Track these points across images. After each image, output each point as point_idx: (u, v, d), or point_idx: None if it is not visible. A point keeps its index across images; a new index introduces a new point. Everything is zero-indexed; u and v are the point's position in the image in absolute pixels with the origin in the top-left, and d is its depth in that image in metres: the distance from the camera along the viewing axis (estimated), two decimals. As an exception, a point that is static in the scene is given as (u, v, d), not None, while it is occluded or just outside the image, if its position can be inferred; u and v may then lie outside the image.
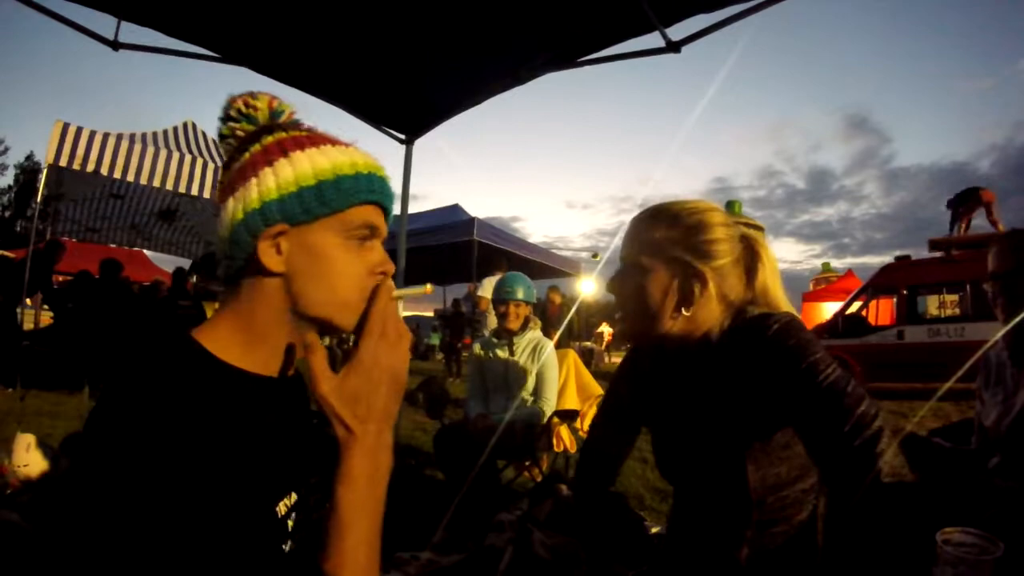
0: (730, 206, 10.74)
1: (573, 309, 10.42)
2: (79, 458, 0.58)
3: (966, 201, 8.28)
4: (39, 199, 7.32)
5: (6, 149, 36.09)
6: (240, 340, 0.70)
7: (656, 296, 1.07)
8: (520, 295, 3.18)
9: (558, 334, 5.30)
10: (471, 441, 2.80)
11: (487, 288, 7.48)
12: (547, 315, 9.51)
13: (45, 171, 6.65)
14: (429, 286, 0.91)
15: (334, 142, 0.74)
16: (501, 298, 3.20)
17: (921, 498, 0.87)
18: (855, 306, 8.87)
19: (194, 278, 7.58)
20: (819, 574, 1.03)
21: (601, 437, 1.41)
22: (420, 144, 3.85)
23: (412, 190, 3.99)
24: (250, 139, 0.73)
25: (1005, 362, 1.60)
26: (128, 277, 7.95)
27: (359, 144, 0.77)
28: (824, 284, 16.28)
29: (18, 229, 31.27)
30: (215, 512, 0.57)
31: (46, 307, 8.41)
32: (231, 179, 0.71)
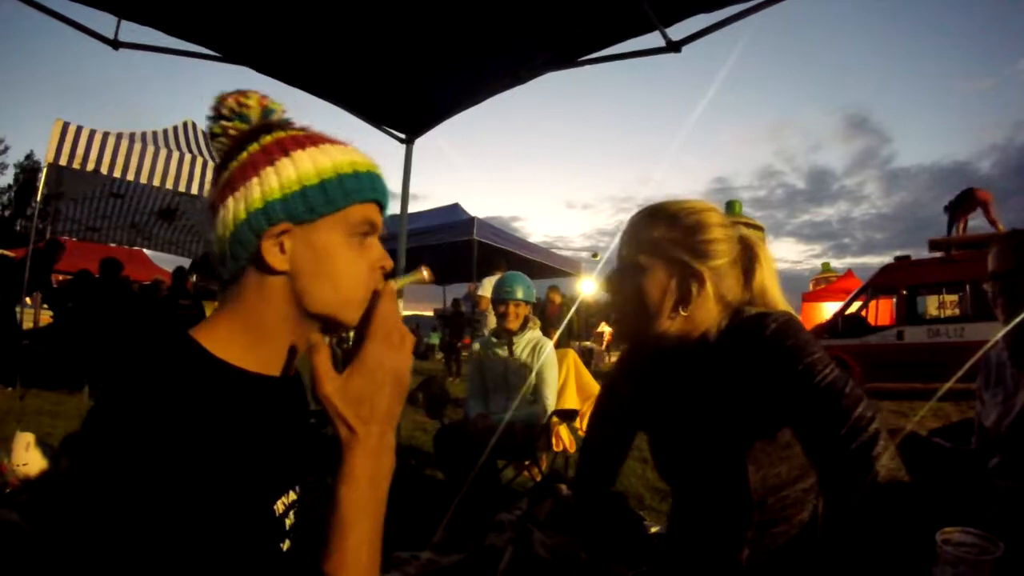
0: (730, 206, 10.74)
1: (573, 309, 10.41)
2: (77, 457, 0.58)
3: (963, 203, 8.29)
4: (39, 198, 7.33)
5: (6, 148, 36.08)
6: (242, 339, 0.70)
7: (654, 295, 1.07)
8: (520, 295, 3.18)
9: (558, 334, 5.30)
10: (471, 441, 2.80)
11: (487, 288, 7.48)
12: (547, 315, 9.51)
13: (45, 170, 6.66)
14: (425, 271, 0.91)
15: (332, 141, 0.75)
16: (501, 298, 3.20)
17: (920, 498, 0.87)
18: (855, 306, 8.87)
19: (194, 277, 7.58)
20: (820, 574, 1.03)
21: (600, 437, 1.40)
22: (420, 143, 3.85)
23: (412, 190, 4.00)
24: (247, 138, 0.73)
25: (1005, 362, 1.60)
26: (128, 276, 7.94)
27: (357, 143, 0.78)
28: (824, 284, 16.28)
29: (18, 228, 31.25)
30: (213, 511, 0.57)
31: (46, 306, 8.41)
32: (230, 178, 0.71)
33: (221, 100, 0.74)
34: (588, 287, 10.99)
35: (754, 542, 1.05)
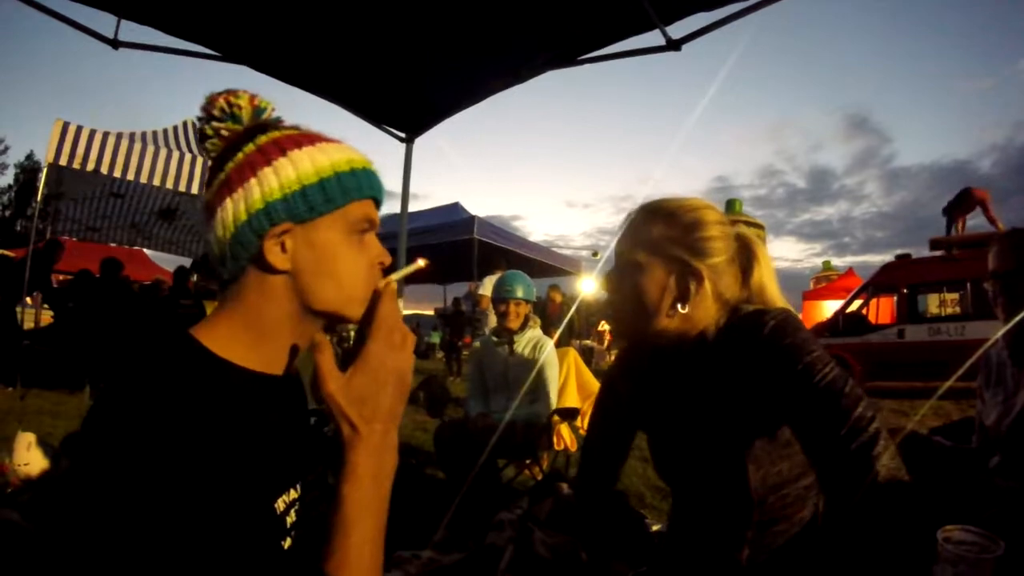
0: (731, 205, 10.74)
1: (573, 308, 10.41)
2: (78, 457, 0.58)
3: (961, 202, 8.30)
4: (39, 198, 7.33)
5: (6, 148, 36.10)
6: (243, 338, 0.70)
7: (652, 293, 1.06)
8: (520, 294, 3.18)
9: (558, 332, 5.30)
10: (472, 440, 2.81)
11: (487, 287, 7.48)
12: (547, 313, 9.51)
13: (45, 170, 6.67)
14: (422, 261, 0.92)
15: (327, 139, 0.75)
16: (501, 297, 3.20)
17: (921, 498, 0.86)
18: (855, 305, 8.86)
19: (195, 277, 7.58)
20: (821, 572, 1.03)
21: (600, 436, 1.40)
22: (420, 143, 3.84)
23: (412, 189, 3.99)
24: (242, 138, 0.73)
25: (1005, 361, 1.60)
26: (128, 276, 7.95)
27: (357, 142, 0.78)
28: (825, 283, 16.28)
29: (18, 228, 31.28)
30: (215, 509, 0.58)
31: (46, 306, 8.41)
32: (227, 179, 0.71)
33: (211, 100, 0.74)
34: (588, 286, 11.00)
35: (755, 541, 1.05)
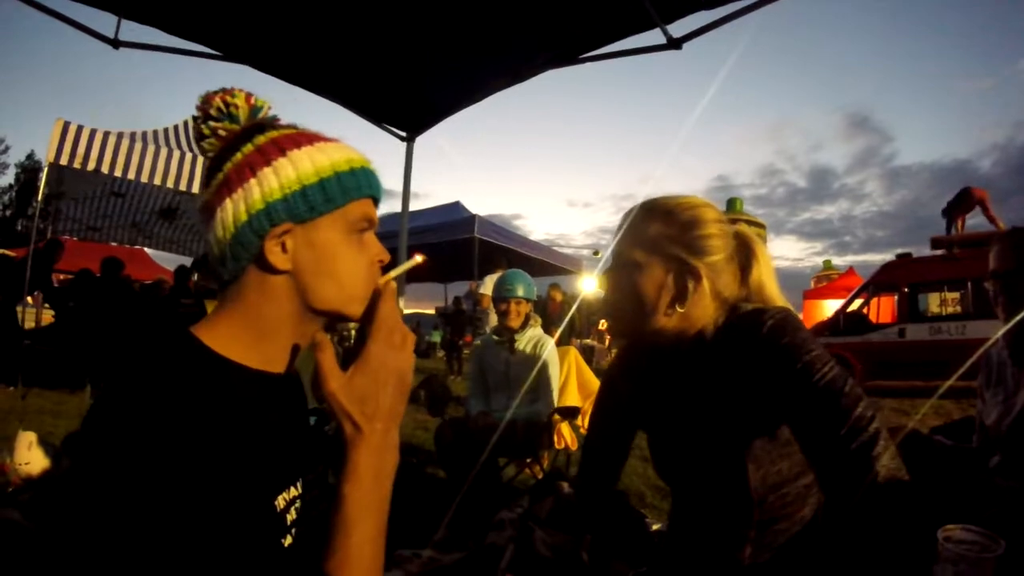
0: (731, 204, 10.76)
1: (574, 307, 10.40)
2: (78, 455, 0.58)
3: (960, 202, 8.30)
4: (40, 198, 7.32)
5: (7, 148, 36.16)
6: (244, 336, 0.70)
7: (650, 292, 1.06)
8: (520, 292, 3.18)
9: (559, 331, 5.30)
10: (472, 439, 2.81)
11: (488, 286, 7.48)
12: (548, 312, 9.51)
13: (46, 170, 6.67)
14: (419, 256, 0.92)
15: (324, 138, 0.75)
16: (502, 296, 3.20)
17: (921, 498, 0.86)
18: (856, 304, 8.85)
19: (195, 276, 7.58)
20: (822, 571, 1.02)
21: (601, 435, 1.40)
22: (421, 142, 3.85)
23: (413, 188, 3.99)
24: (240, 138, 0.73)
25: (1006, 361, 1.59)
26: (129, 276, 7.95)
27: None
28: (825, 282, 16.28)
29: (19, 228, 31.30)
30: (214, 507, 0.58)
31: (47, 306, 8.42)
32: (226, 179, 0.71)
33: (207, 100, 0.74)
34: (589, 285, 10.99)
35: (756, 540, 1.05)
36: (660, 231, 1.06)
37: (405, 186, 3.89)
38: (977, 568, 0.73)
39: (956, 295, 8.51)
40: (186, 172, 7.11)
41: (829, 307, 12.87)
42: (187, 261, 9.28)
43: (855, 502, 0.85)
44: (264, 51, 3.09)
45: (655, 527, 2.31)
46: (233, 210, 0.69)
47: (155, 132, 7.63)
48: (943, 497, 1.42)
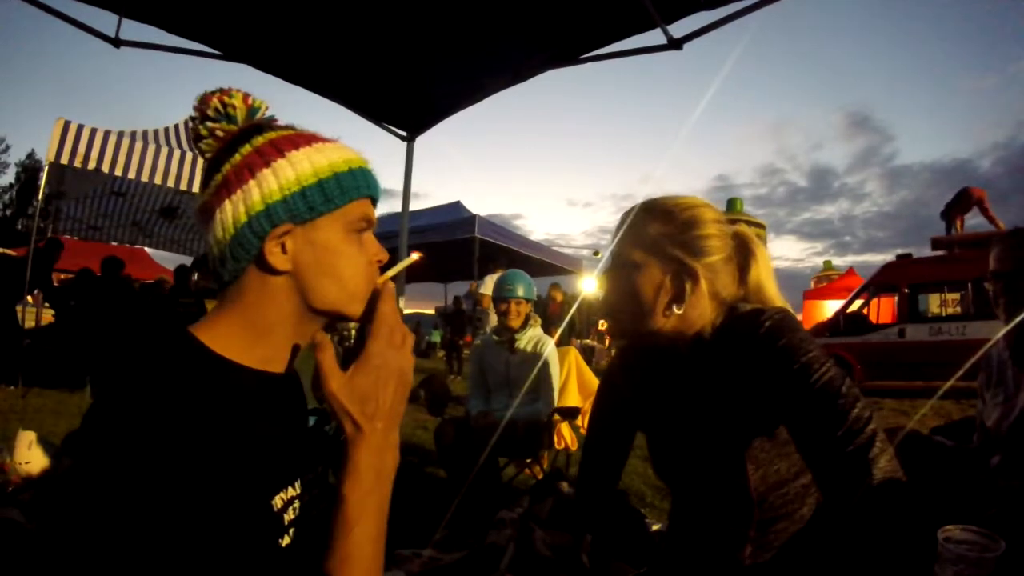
0: (732, 204, 10.76)
1: (574, 307, 10.41)
2: (78, 455, 0.58)
3: (958, 202, 8.31)
4: (40, 197, 7.32)
5: (7, 147, 36.15)
6: (243, 336, 0.70)
7: (648, 293, 1.06)
8: (520, 292, 3.18)
9: (559, 331, 5.30)
10: (473, 439, 2.81)
11: (488, 286, 7.49)
12: (548, 313, 9.51)
13: (46, 169, 6.65)
14: (415, 255, 0.93)
15: (322, 139, 0.75)
16: (502, 296, 3.20)
17: (919, 499, 0.86)
18: (856, 304, 8.85)
19: (196, 275, 7.58)
20: (823, 570, 1.02)
21: (601, 435, 1.40)
22: (421, 141, 3.85)
23: (413, 188, 3.99)
24: (239, 139, 0.73)
25: (1006, 362, 1.59)
26: (130, 275, 7.95)
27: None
28: (825, 282, 16.28)
29: (19, 227, 31.29)
30: (209, 505, 0.58)
31: (47, 305, 8.42)
32: (225, 180, 0.71)
33: (205, 100, 0.74)
34: (589, 285, 10.99)
35: (756, 540, 1.05)
36: (658, 231, 1.06)
37: (405, 186, 3.90)
38: (977, 568, 0.73)
39: (956, 296, 8.51)
40: (187, 171, 7.10)
41: (829, 307, 12.87)
42: (187, 261, 9.28)
43: (852, 504, 0.85)
44: (265, 51, 3.09)
45: (655, 527, 2.31)
46: (232, 212, 0.69)
47: (156, 131, 7.62)
48: (943, 497, 1.42)
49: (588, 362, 3.91)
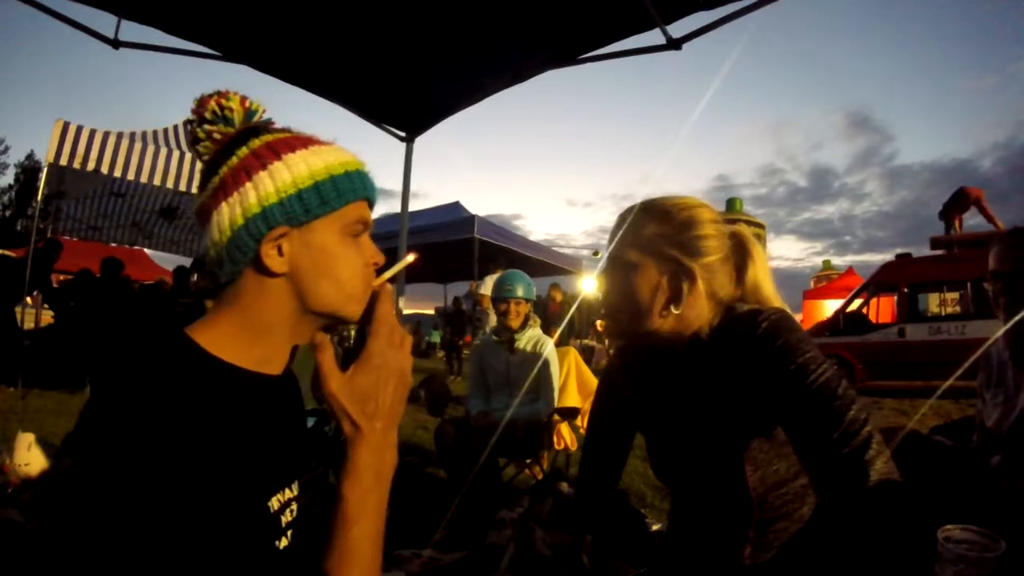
0: (731, 204, 10.76)
1: (574, 307, 10.41)
2: (74, 456, 0.59)
3: (956, 202, 8.32)
4: (40, 198, 7.32)
5: (7, 148, 36.10)
6: (239, 337, 0.70)
7: (645, 293, 1.05)
8: (520, 293, 3.18)
9: (559, 332, 5.30)
10: (473, 439, 2.81)
11: (488, 286, 7.49)
12: (548, 313, 9.51)
13: (46, 170, 6.65)
14: (411, 256, 0.93)
15: (319, 142, 0.75)
16: (501, 296, 3.20)
17: (916, 500, 0.86)
18: (856, 304, 8.86)
19: (195, 276, 7.59)
20: (823, 570, 1.02)
21: (600, 435, 1.40)
22: (421, 141, 3.84)
23: (413, 188, 3.98)
24: (236, 141, 0.73)
25: (1006, 362, 1.59)
26: (129, 276, 7.95)
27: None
28: (825, 282, 16.29)
29: (19, 228, 31.28)
30: (203, 506, 0.58)
31: (46, 306, 8.42)
32: (221, 183, 0.71)
33: (202, 103, 0.74)
34: (589, 285, 11.00)
35: (756, 540, 1.05)
36: (656, 231, 1.06)
37: (405, 186, 3.89)
38: (977, 568, 0.73)
39: (956, 295, 8.52)
40: (186, 172, 7.09)
41: (829, 307, 12.87)
42: (187, 262, 9.28)
43: (849, 506, 0.85)
44: (264, 52, 3.08)
45: (655, 527, 2.31)
46: (229, 214, 0.69)
47: (155, 132, 7.61)
48: (943, 497, 1.42)
49: (587, 362, 3.91)
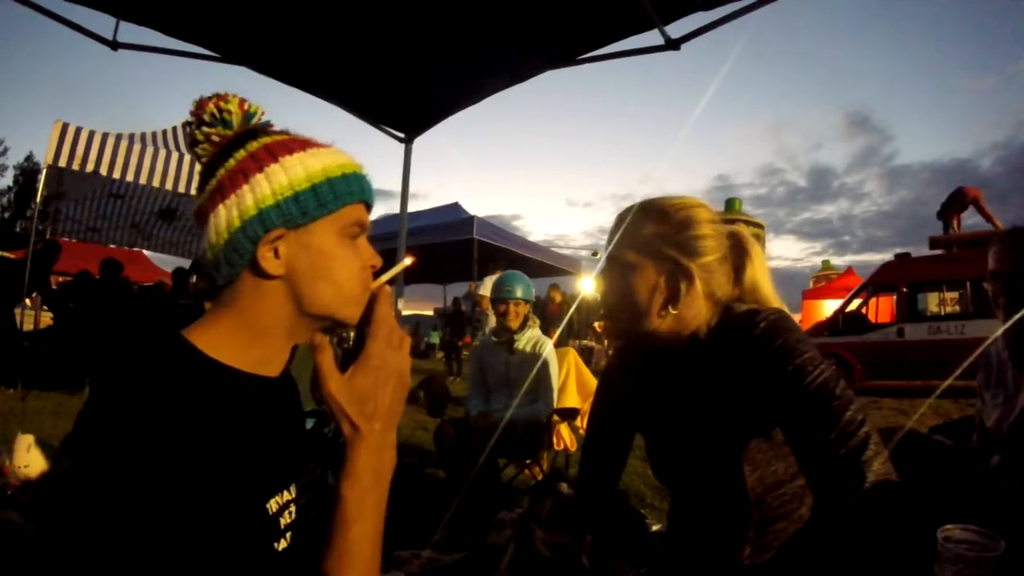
0: (731, 203, 10.77)
1: (573, 307, 10.41)
2: (74, 457, 0.59)
3: (953, 202, 8.32)
4: (39, 199, 7.32)
5: (6, 150, 36.11)
6: (236, 339, 0.70)
7: (643, 294, 1.05)
8: (519, 293, 3.18)
9: (558, 332, 5.30)
10: (472, 439, 2.81)
11: (487, 287, 7.48)
12: (547, 313, 9.51)
13: (45, 171, 6.65)
14: (409, 259, 0.93)
15: (316, 144, 0.75)
16: (500, 297, 3.20)
17: (913, 501, 0.86)
18: (855, 304, 8.86)
19: (194, 278, 7.58)
20: (821, 570, 1.02)
21: (600, 436, 1.40)
22: (420, 142, 3.84)
23: (412, 188, 3.98)
24: (234, 144, 0.73)
25: (1006, 362, 1.59)
26: (128, 277, 7.94)
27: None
28: (824, 282, 16.29)
29: (18, 229, 31.29)
30: (203, 509, 0.58)
31: (45, 308, 8.41)
32: (219, 185, 0.71)
33: (201, 105, 0.74)
34: (588, 285, 11.00)
35: (755, 540, 1.05)
36: (653, 232, 1.06)
37: (404, 187, 3.89)
38: (977, 568, 0.73)
39: (955, 295, 8.52)
40: (185, 174, 7.09)
41: (828, 307, 12.88)
42: (186, 263, 9.27)
43: (846, 507, 0.85)
44: (263, 53, 3.08)
45: (655, 527, 2.31)
46: (226, 216, 0.69)
47: (154, 134, 7.61)
48: (943, 497, 1.42)
49: (587, 363, 3.91)
